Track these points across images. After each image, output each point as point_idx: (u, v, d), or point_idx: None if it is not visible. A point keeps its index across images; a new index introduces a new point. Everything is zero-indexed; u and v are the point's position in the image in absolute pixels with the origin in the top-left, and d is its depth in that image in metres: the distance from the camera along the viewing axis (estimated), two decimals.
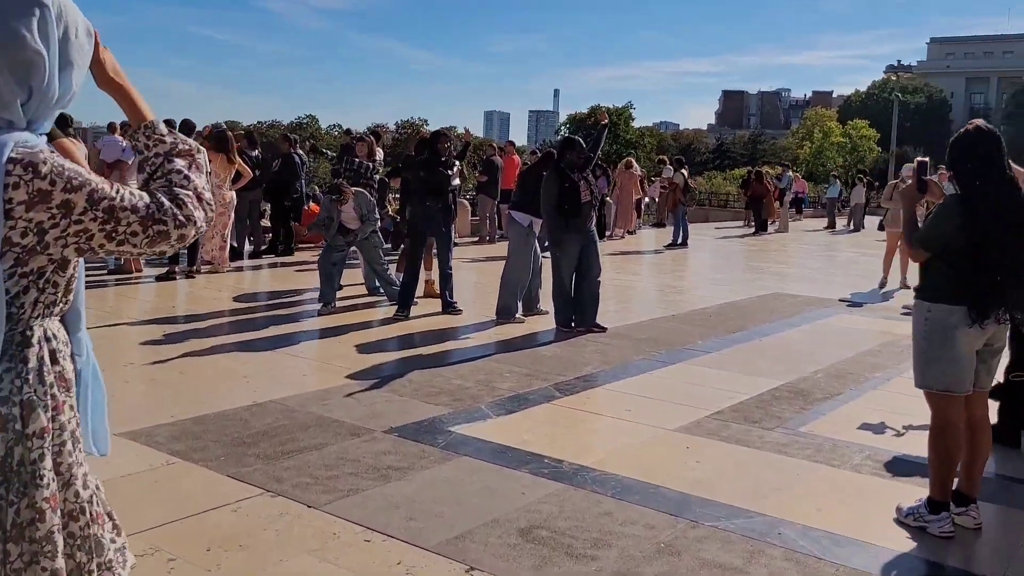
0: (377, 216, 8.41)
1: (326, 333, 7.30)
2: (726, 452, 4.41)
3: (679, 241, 16.10)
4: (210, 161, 1.86)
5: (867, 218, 23.21)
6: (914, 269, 3.80)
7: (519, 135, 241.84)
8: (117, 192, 1.49)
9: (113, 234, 1.49)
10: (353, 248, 8.58)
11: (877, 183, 26.30)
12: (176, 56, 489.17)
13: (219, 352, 6.34)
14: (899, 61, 47.56)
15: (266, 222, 12.85)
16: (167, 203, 1.54)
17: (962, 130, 3.52)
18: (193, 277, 9.82)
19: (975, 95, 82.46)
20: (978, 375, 3.49)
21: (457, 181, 8.33)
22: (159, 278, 9.60)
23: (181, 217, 1.55)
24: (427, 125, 70.52)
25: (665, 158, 19.95)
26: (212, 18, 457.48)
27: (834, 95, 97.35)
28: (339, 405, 5.07)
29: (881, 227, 11.05)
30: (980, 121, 3.58)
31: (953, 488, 3.53)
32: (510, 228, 8.10)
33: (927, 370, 3.44)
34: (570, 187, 7.31)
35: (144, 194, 1.54)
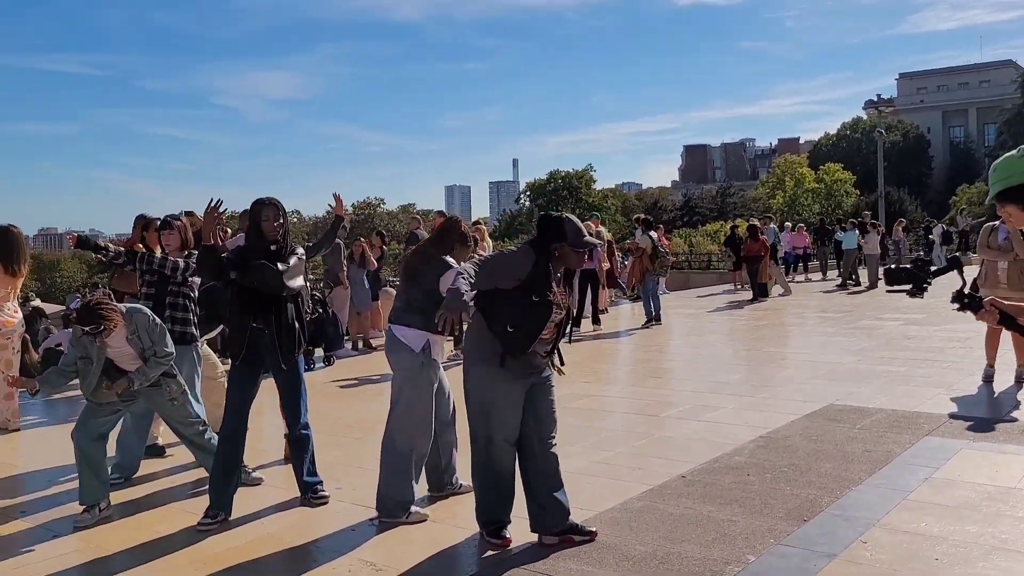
0: (169, 349, 5.06)
1: None
2: None
3: (652, 318, 13.08)
4: None
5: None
6: None
7: (481, 207, 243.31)
8: None
9: None
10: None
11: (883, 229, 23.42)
12: (136, 156, 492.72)
13: None
14: (879, 96, 45.70)
15: None
16: None
17: None
18: None
19: (954, 128, 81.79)
20: None
21: (301, 280, 5.02)
22: None
23: None
24: (383, 204, 67.76)
25: (641, 217, 16.96)
26: (172, 117, 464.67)
27: (801, 141, 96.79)
28: None
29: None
30: None
31: None
32: (393, 355, 4.78)
33: None
34: (540, 303, 4.03)
35: None
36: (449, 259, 4.71)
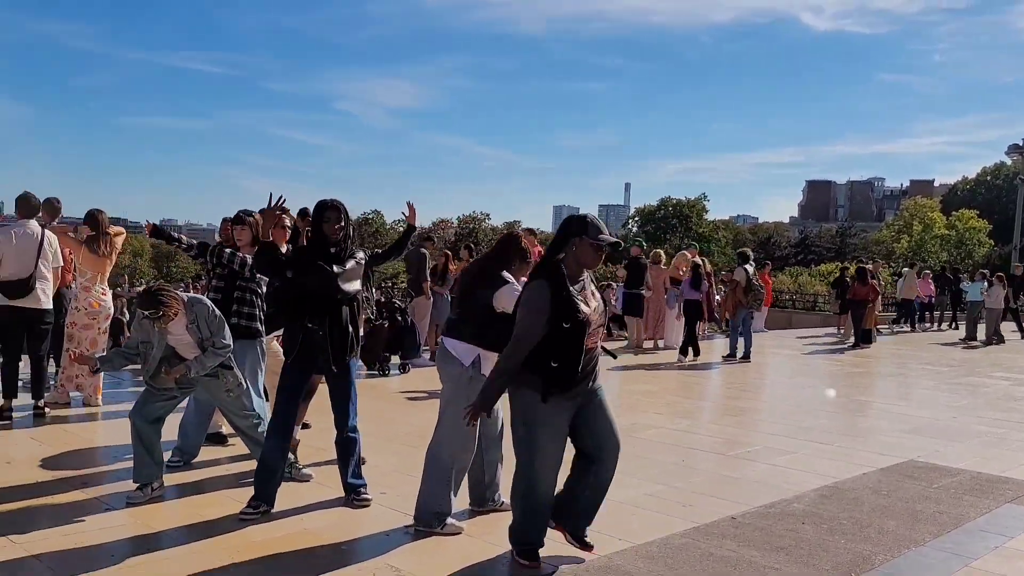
0: (227, 341, 5.26)
1: None
2: None
3: (739, 353, 13.10)
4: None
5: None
6: None
7: None
8: None
9: None
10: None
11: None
12: (260, 156, 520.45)
13: None
14: None
15: None
16: None
17: None
18: (42, 415, 7.22)
19: None
20: None
21: (357, 285, 5.14)
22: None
23: None
24: (489, 219, 68.52)
25: (740, 251, 16.72)
26: (295, 120, 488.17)
27: (936, 184, 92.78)
28: None
29: None
30: None
31: None
32: (443, 366, 4.85)
33: None
34: (573, 327, 4.01)
35: None
36: (506, 275, 4.73)
